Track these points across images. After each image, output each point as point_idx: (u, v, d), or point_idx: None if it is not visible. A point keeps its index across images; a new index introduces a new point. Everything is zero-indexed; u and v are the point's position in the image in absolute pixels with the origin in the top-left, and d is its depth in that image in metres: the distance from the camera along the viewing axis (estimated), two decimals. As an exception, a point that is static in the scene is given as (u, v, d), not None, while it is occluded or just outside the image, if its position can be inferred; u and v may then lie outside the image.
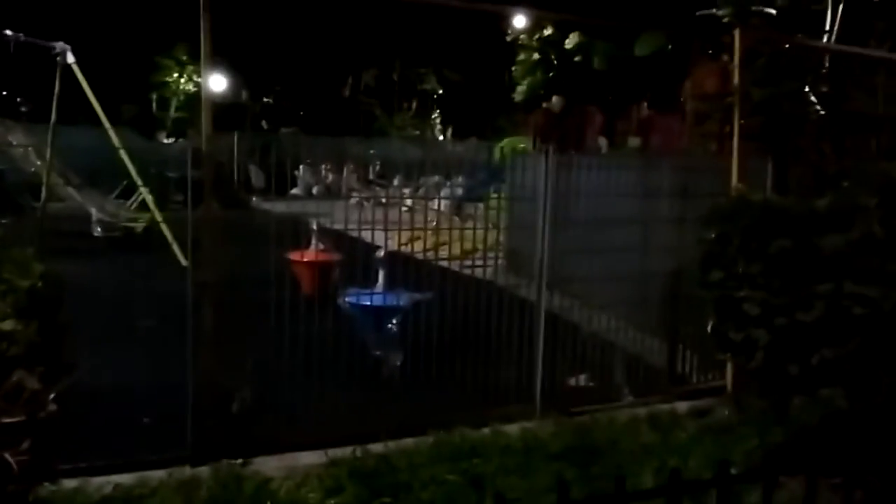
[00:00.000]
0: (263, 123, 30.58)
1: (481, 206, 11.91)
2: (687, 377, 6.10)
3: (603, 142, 16.17)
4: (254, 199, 15.56)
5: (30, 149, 13.40)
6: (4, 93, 30.16)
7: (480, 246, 8.28)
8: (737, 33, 5.94)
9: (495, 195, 11.37)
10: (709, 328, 4.41)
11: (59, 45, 11.01)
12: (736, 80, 5.88)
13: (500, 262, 7.57)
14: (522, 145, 16.84)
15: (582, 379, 5.85)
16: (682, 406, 5.46)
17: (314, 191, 16.94)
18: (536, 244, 5.59)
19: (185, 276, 4.67)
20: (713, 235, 4.30)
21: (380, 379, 5.81)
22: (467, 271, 7.02)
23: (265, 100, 31.89)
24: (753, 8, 8.24)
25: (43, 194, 11.86)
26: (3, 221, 13.56)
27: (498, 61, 24.98)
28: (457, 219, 11.23)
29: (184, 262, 10.16)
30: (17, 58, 11.05)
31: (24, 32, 11.11)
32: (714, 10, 8.52)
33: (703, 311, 4.64)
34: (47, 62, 11.31)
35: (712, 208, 4.49)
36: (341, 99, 32.42)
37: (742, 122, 5.88)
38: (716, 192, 5.57)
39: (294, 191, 17.70)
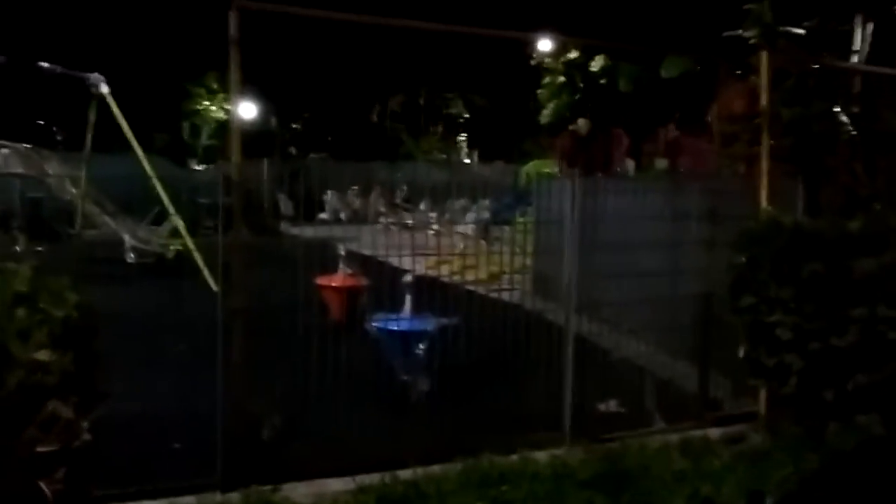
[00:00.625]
0: (292, 149, 30.91)
1: (508, 229, 11.91)
2: (719, 402, 6.01)
3: (630, 164, 16.11)
4: (282, 224, 15.76)
5: (65, 177, 13.65)
6: (40, 122, 30.79)
7: (507, 269, 8.25)
8: (764, 55, 5.90)
9: (521, 219, 11.39)
10: (741, 353, 4.35)
11: (94, 76, 11.28)
12: (764, 100, 5.83)
13: (526, 285, 7.56)
14: (548, 169, 16.86)
15: (612, 404, 5.79)
16: (714, 432, 5.37)
17: (342, 215, 17.07)
18: (564, 268, 5.56)
19: (215, 302, 4.71)
20: (744, 259, 4.24)
21: (408, 404, 5.80)
22: (494, 295, 7.01)
23: (294, 126, 32.25)
24: (781, 28, 8.22)
25: (78, 221, 12.07)
26: (40, 248, 13.86)
27: (523, 85, 25.05)
28: (483, 242, 11.27)
29: (214, 287, 10.28)
30: (53, 88, 11.33)
31: (60, 64, 11.39)
32: (740, 32, 8.50)
33: (735, 336, 4.58)
34: (82, 92, 11.57)
35: (742, 232, 4.44)
36: (369, 124, 32.72)
37: (771, 143, 5.83)
38: (745, 214, 5.51)
39: (322, 216, 17.87)
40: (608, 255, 5.58)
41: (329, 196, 17.43)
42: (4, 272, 2.61)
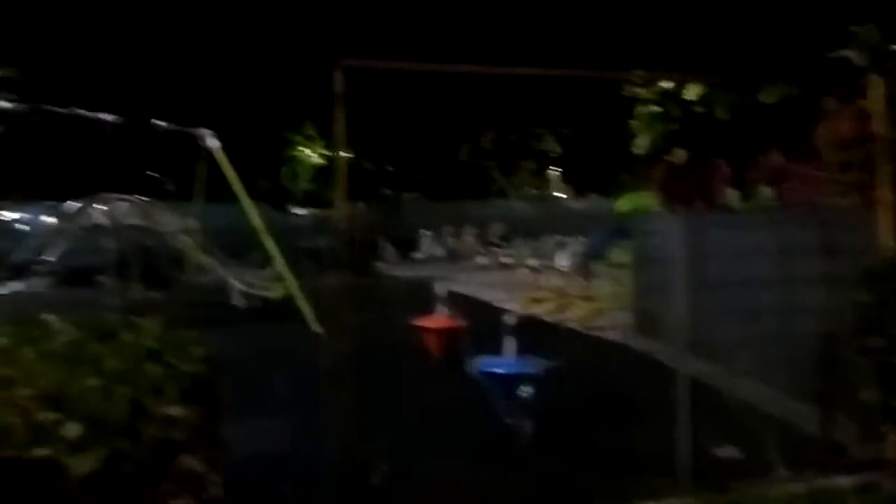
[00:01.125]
0: (385, 191, 31.51)
1: (606, 264, 11.69)
2: (844, 448, 5.66)
3: (732, 194, 15.61)
4: (379, 265, 16.02)
5: (177, 227, 14.31)
6: (152, 175, 32.50)
7: (609, 306, 8.08)
8: (879, 79, 5.63)
9: (621, 254, 11.15)
10: (868, 395, 4.10)
11: (203, 131, 11.88)
12: (881, 126, 5.55)
13: (630, 324, 7.39)
14: (646, 201, 16.53)
15: (729, 450, 5.54)
16: (842, 480, 5.04)
17: (437, 255, 17.21)
18: (674, 306, 5.40)
19: (318, 343, 4.80)
20: (869, 298, 4.01)
21: (514, 448, 5.72)
22: (597, 333, 6.88)
23: (386, 167, 32.91)
24: (892, 47, 7.84)
25: (189, 268, 12.61)
26: (154, 295, 14.54)
27: (615, 116, 24.80)
28: (582, 279, 11.10)
29: (317, 329, 10.51)
30: (165, 144, 11.96)
31: (172, 121, 12.06)
32: (845, 53, 8.16)
33: (859, 377, 4.32)
34: (192, 147, 12.19)
35: (865, 269, 4.20)
36: (459, 163, 33.05)
37: (890, 169, 5.52)
38: (862, 247, 5.23)
39: (417, 255, 18.08)
40: (719, 292, 5.40)
41: (424, 236, 17.63)
42: (134, 326, 2.73)
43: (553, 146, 33.13)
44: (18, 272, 15.16)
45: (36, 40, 28.80)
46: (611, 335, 6.52)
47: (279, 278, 12.77)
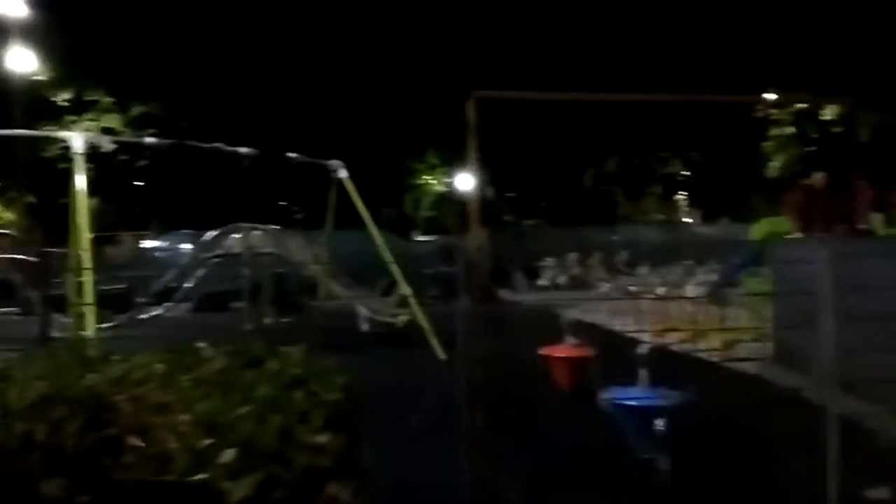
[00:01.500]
0: (507, 217, 31.61)
1: (738, 292, 11.18)
2: None
3: (876, 218, 14.66)
4: (503, 292, 16.01)
5: (308, 254, 14.86)
6: (282, 203, 33.99)
7: (746, 338, 7.73)
8: None
9: (757, 282, 10.65)
10: None
11: (335, 162, 12.35)
12: None
13: (769, 356, 7.05)
14: (781, 227, 15.78)
15: (883, 491, 5.14)
16: None
17: (560, 282, 17.02)
18: (819, 339, 5.09)
19: (444, 370, 4.82)
20: None
21: (651, 486, 5.52)
22: (732, 366, 6.59)
23: (508, 194, 33.03)
24: None
25: (320, 294, 13.04)
26: (286, 320, 15.12)
27: (746, 138, 23.91)
28: (715, 308, 10.66)
29: (442, 355, 10.60)
30: (297, 175, 12.49)
31: (303, 152, 12.60)
32: None
33: None
34: (323, 177, 12.68)
35: None
36: (583, 188, 32.75)
37: None
38: None
39: (540, 282, 17.95)
40: (868, 324, 5.05)
41: (548, 262, 17.49)
42: (280, 355, 2.82)
43: (680, 170, 32.29)
44: (159, 297, 16.09)
45: (178, 78, 30.83)
46: (748, 368, 6.21)
47: (404, 305, 13.00)
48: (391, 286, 13.97)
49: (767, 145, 20.30)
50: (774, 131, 19.92)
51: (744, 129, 23.11)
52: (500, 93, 3.71)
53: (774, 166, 19.85)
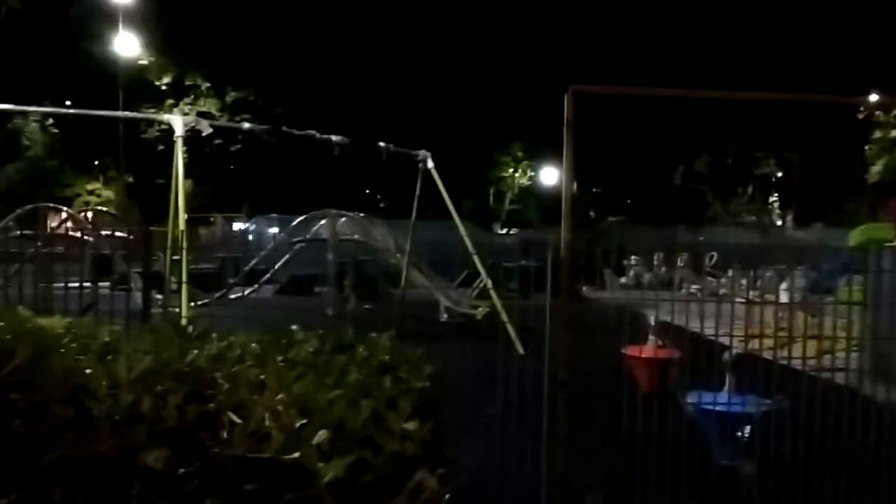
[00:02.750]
0: (591, 213, 31.22)
1: (834, 300, 10.76)
2: None
3: None
4: (586, 289, 15.83)
5: (392, 242, 15.07)
6: (367, 191, 34.50)
7: (838, 347, 7.44)
8: None
9: (852, 289, 10.22)
10: None
11: (422, 152, 12.46)
12: None
13: (863, 368, 6.76)
14: (882, 234, 15.06)
15: None
16: None
17: (644, 281, 16.72)
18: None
19: (523, 365, 4.82)
20: None
21: (731, 494, 5.38)
22: (824, 375, 6.34)
23: (594, 190, 32.61)
24: None
25: (402, 283, 13.18)
26: (367, 306, 15.36)
27: (846, 140, 22.89)
28: (806, 315, 10.27)
29: (521, 350, 10.56)
30: (386, 164, 12.64)
31: (390, 141, 12.73)
32: None
33: None
34: (410, 166, 12.80)
35: None
36: (671, 186, 31.99)
37: None
38: None
39: (622, 280, 17.66)
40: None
41: (633, 261, 17.19)
42: (369, 342, 2.87)
43: (775, 171, 31.15)
44: (247, 278, 16.59)
45: (273, 65, 31.61)
46: (841, 379, 5.96)
47: (484, 297, 13.03)
48: (472, 278, 14.02)
49: (869, 148, 19.35)
50: (877, 134, 18.98)
51: (844, 130, 22.11)
52: (598, 87, 3.66)
53: (875, 171, 18.91)
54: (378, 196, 34.42)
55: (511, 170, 33.37)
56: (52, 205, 17.79)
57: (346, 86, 32.89)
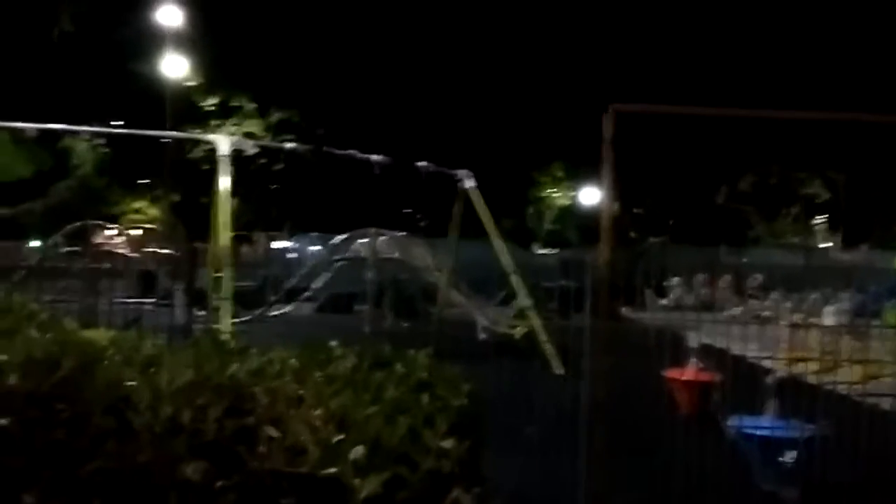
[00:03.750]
0: (632, 233, 30.94)
1: (881, 324, 10.51)
2: None
3: None
4: (625, 310, 15.66)
5: (429, 261, 15.09)
6: (407, 210, 34.65)
7: (884, 372, 7.28)
8: None
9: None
10: None
11: (462, 172, 12.49)
12: None
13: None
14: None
15: None
16: None
17: (685, 302, 16.47)
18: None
19: (561, 385, 4.77)
20: None
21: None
22: (870, 401, 6.18)
23: (635, 210, 32.33)
24: None
25: (440, 302, 13.18)
26: (405, 324, 15.39)
27: (894, 160, 22.39)
28: (852, 339, 10.02)
29: (559, 370, 10.46)
30: (426, 183, 12.69)
31: (430, 161, 12.80)
32: None
33: None
34: (449, 186, 12.84)
35: None
36: (714, 206, 31.56)
37: None
38: None
39: (663, 301, 17.43)
40: None
41: (674, 282, 16.97)
42: (407, 359, 2.88)
43: (820, 191, 30.52)
44: (288, 296, 16.73)
45: (315, 86, 32.05)
46: (887, 404, 5.81)
47: (523, 317, 12.95)
48: (510, 297, 13.95)
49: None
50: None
51: (892, 150, 21.65)
52: (639, 106, 3.64)
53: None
54: (418, 215, 34.57)
55: (551, 189, 33.30)
56: (99, 222, 18.21)
57: (387, 106, 33.20)
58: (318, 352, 2.74)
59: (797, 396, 5.71)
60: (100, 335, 2.39)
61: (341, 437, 1.95)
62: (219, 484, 1.80)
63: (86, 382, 1.84)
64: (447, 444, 2.14)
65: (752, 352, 6.67)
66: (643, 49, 31.04)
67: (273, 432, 1.94)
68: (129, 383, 1.93)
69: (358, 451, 1.89)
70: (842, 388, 7.56)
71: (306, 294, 16.92)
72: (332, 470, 1.84)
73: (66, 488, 1.60)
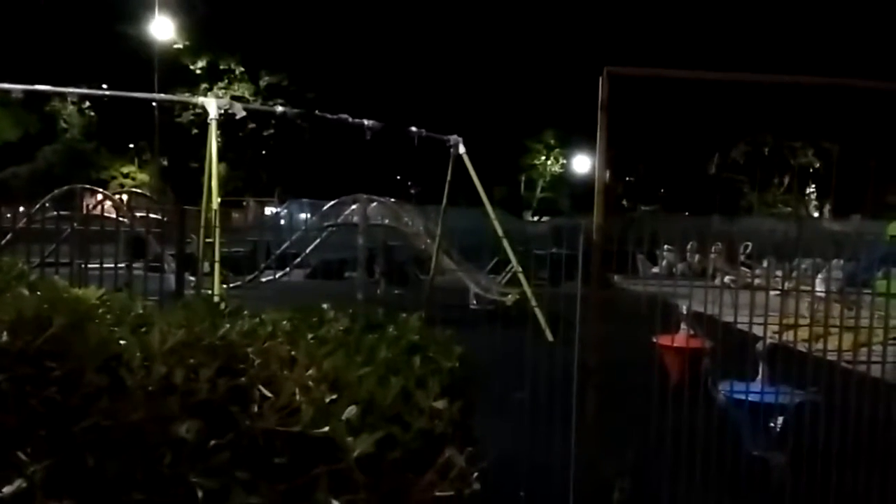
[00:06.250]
0: (624, 202, 30.97)
1: (871, 293, 10.58)
2: None
3: None
4: (617, 278, 15.71)
5: (421, 228, 15.08)
6: (399, 176, 34.54)
7: (875, 340, 7.32)
8: None
9: (890, 282, 10.03)
10: None
11: (453, 137, 12.41)
12: None
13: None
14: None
15: None
16: None
17: (677, 270, 16.52)
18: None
19: (552, 352, 4.81)
20: None
21: (762, 484, 5.32)
22: (859, 369, 6.24)
23: (627, 178, 32.32)
24: None
25: (431, 269, 13.19)
26: (398, 291, 15.41)
27: (887, 130, 22.38)
28: (842, 307, 10.09)
29: (550, 337, 10.50)
30: (416, 149, 12.62)
31: (422, 126, 12.71)
32: None
33: None
34: (441, 152, 12.77)
35: None
36: (706, 175, 31.57)
37: None
38: None
39: (654, 270, 17.49)
40: None
41: (664, 250, 17.00)
42: (399, 322, 2.88)
43: (813, 161, 30.56)
44: (278, 262, 16.72)
45: (305, 50, 31.71)
46: (877, 372, 5.86)
47: (514, 283, 12.99)
48: (502, 265, 13.99)
49: (912, 138, 18.91)
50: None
51: (885, 120, 21.65)
52: (633, 69, 3.60)
53: (918, 162, 18.48)
54: (409, 181, 34.48)
55: (543, 157, 33.21)
56: (87, 186, 18.06)
57: (378, 70, 32.92)
58: (311, 314, 2.73)
59: (787, 363, 5.76)
60: (90, 293, 2.37)
61: (333, 397, 1.95)
62: (212, 443, 1.80)
63: (77, 340, 1.83)
64: (439, 404, 2.15)
65: (742, 319, 6.69)
66: (637, 14, 30.79)
67: (266, 392, 1.94)
68: (121, 342, 1.91)
69: (350, 411, 1.89)
70: (832, 356, 7.63)
71: (297, 260, 16.91)
72: (325, 429, 1.84)
73: (60, 445, 1.59)
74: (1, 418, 1.62)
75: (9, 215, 9.55)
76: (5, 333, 1.75)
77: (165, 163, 31.02)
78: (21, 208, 10.62)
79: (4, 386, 1.66)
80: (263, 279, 15.46)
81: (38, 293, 2.09)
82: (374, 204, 15.66)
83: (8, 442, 1.58)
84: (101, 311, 2.26)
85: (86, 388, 1.72)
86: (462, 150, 12.38)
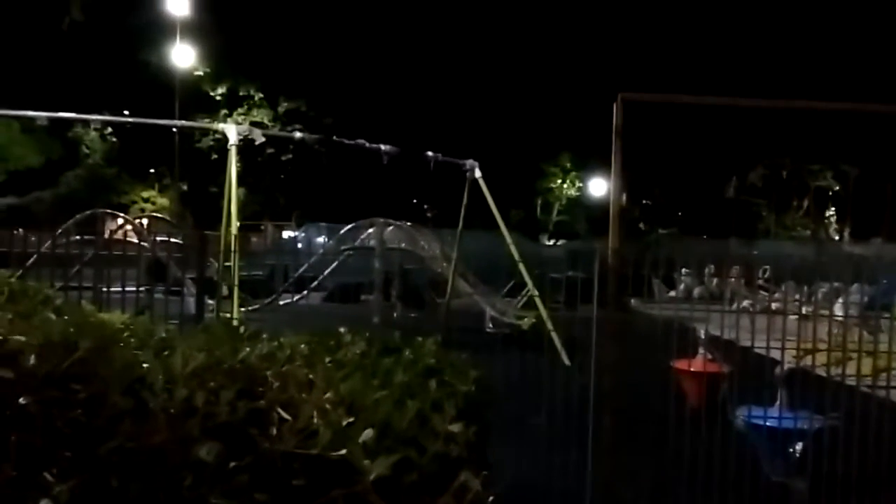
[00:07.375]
0: (641, 225, 30.88)
1: (888, 316, 10.47)
2: None
3: None
4: (634, 301, 15.64)
5: (437, 251, 15.12)
6: (415, 200, 34.65)
7: (894, 364, 7.24)
8: None
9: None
10: None
11: (469, 162, 12.49)
12: None
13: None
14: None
15: None
16: None
17: (695, 294, 16.44)
18: None
19: (568, 376, 4.80)
20: None
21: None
22: (881, 393, 6.19)
23: (644, 201, 32.25)
24: None
25: (448, 292, 13.20)
26: (414, 315, 15.44)
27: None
28: (862, 331, 10.00)
29: (566, 361, 10.47)
30: (433, 173, 12.70)
31: (439, 151, 12.80)
32: None
33: None
34: (457, 176, 12.84)
35: None
36: (724, 198, 31.41)
37: None
38: None
39: (672, 293, 17.42)
40: None
41: (683, 273, 16.94)
42: (415, 345, 2.90)
43: (832, 184, 30.35)
44: (296, 285, 16.79)
45: (323, 76, 32.05)
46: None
47: (530, 307, 12.97)
48: (517, 288, 13.97)
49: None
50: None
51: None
52: (648, 95, 3.64)
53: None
54: (425, 205, 34.60)
55: (559, 180, 33.25)
56: (109, 211, 18.28)
57: (395, 96, 33.20)
58: (328, 338, 2.77)
59: (806, 388, 5.71)
60: (115, 318, 2.43)
61: (350, 420, 1.98)
62: (231, 465, 1.83)
63: (102, 364, 1.87)
64: (455, 428, 2.17)
65: (760, 344, 6.65)
66: (652, 39, 30.91)
67: (284, 415, 1.97)
68: (145, 365, 1.96)
69: (367, 434, 1.92)
70: (851, 380, 7.57)
71: (314, 284, 16.98)
72: (342, 452, 1.87)
73: (85, 466, 1.63)
74: (28, 439, 1.66)
75: (33, 239, 9.69)
76: (33, 357, 1.80)
77: (185, 187, 31.34)
78: (44, 232, 10.77)
79: (32, 408, 1.70)
80: (281, 302, 15.53)
81: (65, 317, 2.15)
82: (391, 228, 15.74)
83: (35, 462, 1.62)
84: (125, 334, 2.31)
85: (110, 411, 1.77)
86: (478, 174, 12.46)
